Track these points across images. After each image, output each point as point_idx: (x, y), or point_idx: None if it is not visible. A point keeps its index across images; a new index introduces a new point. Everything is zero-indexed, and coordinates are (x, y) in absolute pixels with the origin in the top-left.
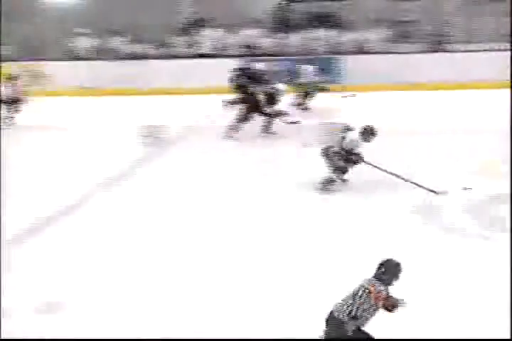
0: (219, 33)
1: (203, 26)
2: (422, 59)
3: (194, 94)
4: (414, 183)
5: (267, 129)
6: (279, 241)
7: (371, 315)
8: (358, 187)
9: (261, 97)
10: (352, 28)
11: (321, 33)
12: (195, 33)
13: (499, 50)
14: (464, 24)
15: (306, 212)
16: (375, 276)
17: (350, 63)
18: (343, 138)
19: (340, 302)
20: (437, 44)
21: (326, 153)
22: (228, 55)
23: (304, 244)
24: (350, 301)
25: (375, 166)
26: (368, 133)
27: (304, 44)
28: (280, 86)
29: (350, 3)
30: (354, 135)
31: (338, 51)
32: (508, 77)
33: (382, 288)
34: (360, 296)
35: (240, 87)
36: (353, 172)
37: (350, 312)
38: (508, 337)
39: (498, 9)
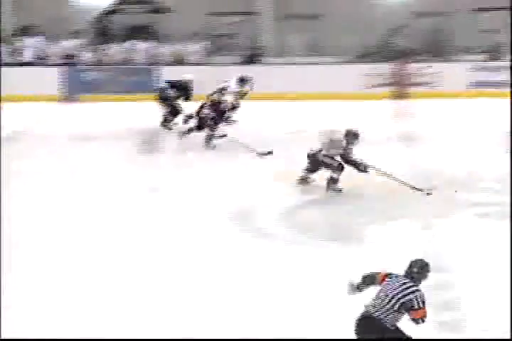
0: (41, 42)
1: (25, 35)
2: (238, 71)
3: (15, 102)
4: (410, 186)
5: (209, 141)
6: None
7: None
8: (177, 193)
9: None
10: (171, 40)
11: (141, 44)
12: (18, 42)
13: (311, 63)
14: (278, 39)
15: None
16: (407, 275)
17: (167, 74)
18: (331, 141)
19: (379, 302)
20: (252, 57)
21: (315, 157)
22: (50, 64)
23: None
24: (390, 304)
25: (379, 170)
26: (352, 135)
27: (124, 55)
28: (228, 97)
29: (170, 16)
30: (340, 137)
31: (158, 62)
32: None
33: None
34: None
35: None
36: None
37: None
38: (508, 337)
39: (309, 26)
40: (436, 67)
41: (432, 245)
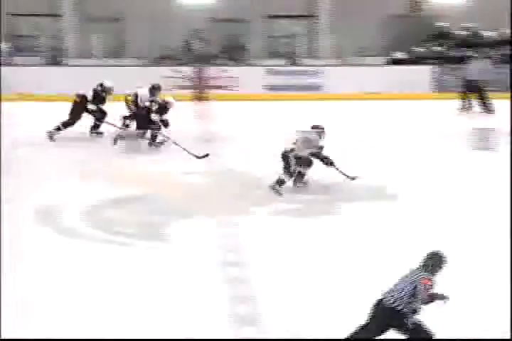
0: None
1: None
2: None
3: None
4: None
5: (153, 141)
6: None
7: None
8: None
9: (153, 109)
10: None
11: None
12: None
13: (113, 65)
14: (81, 40)
15: None
16: (424, 267)
17: None
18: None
19: (396, 292)
20: (55, 58)
21: (286, 157)
22: None
23: None
24: (408, 294)
25: (337, 169)
26: (319, 129)
27: None
28: (170, 98)
29: None
30: (312, 134)
31: None
32: None
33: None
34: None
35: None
36: None
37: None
38: (508, 337)
39: (111, 28)
40: (235, 70)
41: (229, 241)
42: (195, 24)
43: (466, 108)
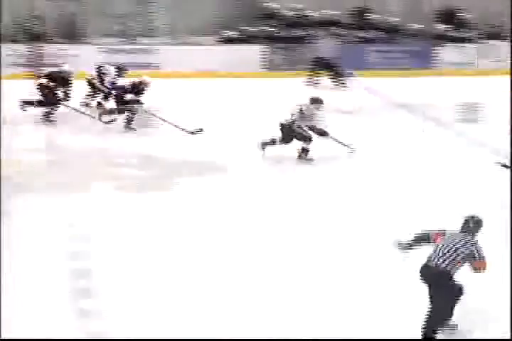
0: None
1: None
2: None
3: None
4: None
5: (129, 123)
6: None
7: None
8: None
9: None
10: None
11: None
12: None
13: None
14: None
15: None
16: (463, 230)
17: None
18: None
19: (444, 256)
20: None
21: (290, 128)
22: None
23: None
24: (453, 256)
25: (336, 140)
26: (318, 102)
27: None
28: (146, 78)
29: None
30: (308, 105)
31: None
32: None
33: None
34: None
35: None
36: None
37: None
38: (508, 337)
39: None
40: (71, 49)
41: (70, 216)
42: (32, 2)
43: (313, 83)
